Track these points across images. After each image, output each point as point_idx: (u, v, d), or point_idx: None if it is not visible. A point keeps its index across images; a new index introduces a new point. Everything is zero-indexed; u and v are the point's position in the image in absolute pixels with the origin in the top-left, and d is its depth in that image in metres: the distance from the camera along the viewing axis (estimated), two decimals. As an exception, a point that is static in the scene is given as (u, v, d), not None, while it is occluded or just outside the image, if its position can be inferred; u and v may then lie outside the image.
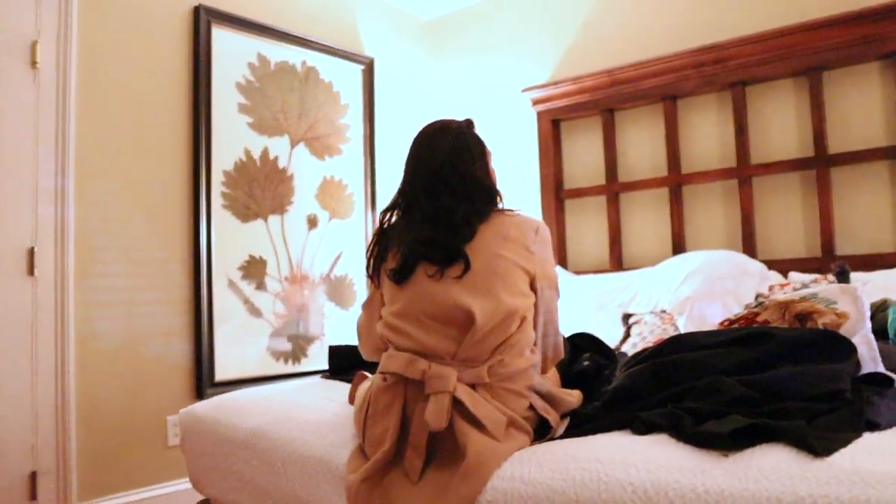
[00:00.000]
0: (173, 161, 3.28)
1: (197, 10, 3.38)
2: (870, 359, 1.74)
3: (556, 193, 4.08)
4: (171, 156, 3.28)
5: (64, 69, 2.90)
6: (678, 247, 3.59)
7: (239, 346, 3.46)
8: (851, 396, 1.47)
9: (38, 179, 2.82)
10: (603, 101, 3.86)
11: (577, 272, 3.90)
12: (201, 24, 3.38)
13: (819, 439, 1.25)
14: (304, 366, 3.76)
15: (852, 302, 1.79)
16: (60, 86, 2.89)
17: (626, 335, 3.03)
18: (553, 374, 1.86)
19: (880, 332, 2.16)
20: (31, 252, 2.78)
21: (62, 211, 2.87)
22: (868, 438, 1.30)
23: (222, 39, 3.49)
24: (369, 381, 1.81)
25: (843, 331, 1.72)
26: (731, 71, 3.40)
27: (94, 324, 2.96)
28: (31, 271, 2.78)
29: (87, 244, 2.96)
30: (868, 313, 1.83)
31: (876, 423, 1.36)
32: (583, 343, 2.11)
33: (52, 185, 2.85)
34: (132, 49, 3.15)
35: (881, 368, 1.74)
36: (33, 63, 2.83)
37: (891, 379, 1.66)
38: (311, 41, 3.91)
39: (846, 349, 1.61)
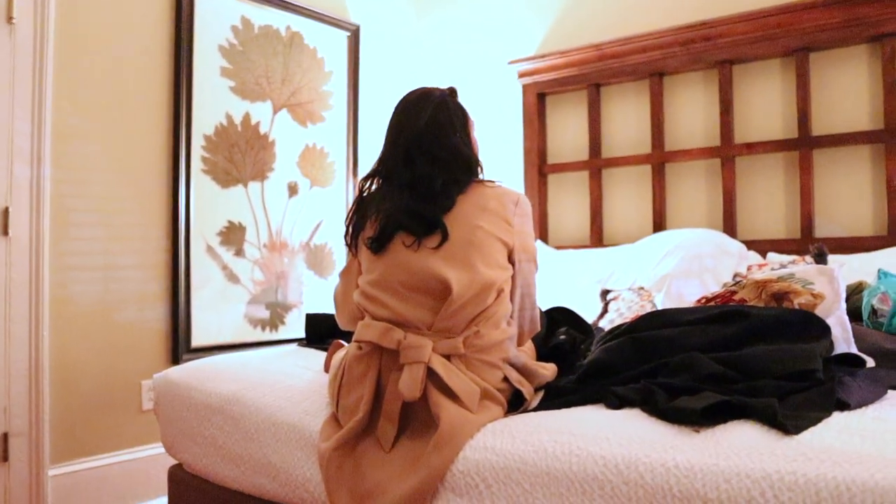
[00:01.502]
0: (153, 123, 3.23)
1: (180, -30, 3.31)
2: (843, 340, 1.76)
3: (540, 167, 4.07)
4: (151, 118, 3.22)
5: (41, 26, 2.82)
6: (659, 224, 3.60)
7: (216, 312, 3.44)
8: (823, 376, 1.48)
9: (14, 139, 2.76)
10: (590, 75, 3.84)
11: (558, 247, 3.91)
12: (184, -17, 3.31)
13: (789, 417, 1.27)
14: (282, 333, 3.74)
15: (829, 283, 1.80)
16: (37, 43, 2.82)
17: (604, 311, 3.04)
18: (529, 346, 1.87)
19: (855, 314, 2.18)
20: (6, 212, 2.74)
21: (38, 171, 2.81)
22: (838, 418, 1.31)
23: (206, 1, 3.42)
24: (344, 350, 1.81)
25: (818, 311, 1.73)
26: (718, 49, 3.39)
27: (69, 287, 2.93)
28: (5, 231, 2.73)
29: (63, 206, 2.91)
30: (844, 295, 1.84)
31: (846, 403, 1.37)
32: (560, 317, 2.12)
33: (27, 145, 2.79)
34: (113, 7, 3.08)
35: (854, 350, 1.76)
36: (9, 19, 2.75)
37: (863, 360, 1.68)
38: (296, 5, 3.84)
39: (820, 329, 1.62)
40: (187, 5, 3.32)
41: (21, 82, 2.78)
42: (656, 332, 1.69)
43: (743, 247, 3.14)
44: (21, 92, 2.78)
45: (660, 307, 2.86)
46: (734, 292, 1.89)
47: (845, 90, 3.15)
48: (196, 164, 3.37)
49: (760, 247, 3.19)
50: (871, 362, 1.72)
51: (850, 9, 3.02)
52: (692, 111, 3.59)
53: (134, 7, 3.16)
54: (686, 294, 2.86)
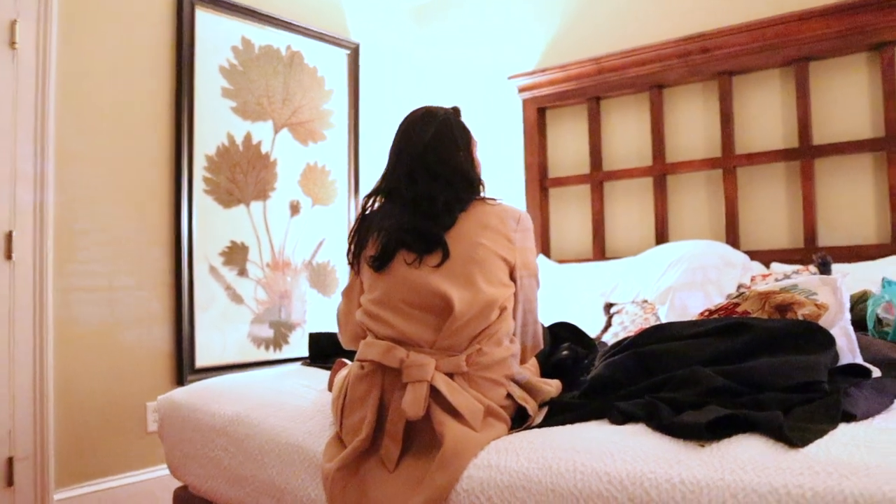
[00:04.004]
0: (155, 145, 3.24)
1: (180, -8, 3.34)
2: (848, 350, 1.75)
3: (541, 182, 4.07)
4: (153, 140, 3.24)
5: (44, 50, 2.85)
6: (661, 236, 3.59)
7: (220, 332, 3.44)
8: (829, 388, 1.47)
9: (17, 163, 2.78)
10: (589, 89, 3.85)
11: (560, 261, 3.90)
12: (185, 6, 3.33)
13: (795, 430, 1.26)
14: (286, 353, 3.74)
15: (832, 293, 1.79)
16: (40, 67, 2.84)
17: (608, 324, 3.03)
18: (532, 363, 1.86)
19: (859, 323, 2.16)
20: (9, 236, 2.75)
21: (41, 195, 2.83)
22: (844, 430, 1.30)
23: (206, 22, 3.44)
24: (347, 369, 1.80)
25: (822, 322, 1.72)
26: (717, 60, 3.39)
27: (73, 309, 2.93)
28: (8, 255, 2.74)
29: (67, 228, 2.92)
30: (847, 305, 1.83)
31: (852, 415, 1.36)
32: (563, 332, 2.11)
33: (30, 169, 2.80)
34: (114, 30, 3.10)
35: (859, 360, 1.75)
36: (12, 44, 2.78)
37: (868, 371, 1.67)
38: (296, 25, 3.87)
39: (825, 340, 1.60)
40: (188, 27, 3.34)
41: (24, 106, 2.80)
42: (659, 346, 1.68)
43: (746, 258, 3.13)
44: (24, 116, 2.80)
45: (664, 320, 2.85)
46: (737, 304, 1.88)
47: (846, 99, 3.15)
48: (198, 184, 3.38)
49: (764, 257, 3.19)
50: (876, 372, 1.71)
51: (848, 18, 3.02)
52: (692, 122, 3.59)
53: (135, 29, 3.18)
54: (690, 306, 2.85)
